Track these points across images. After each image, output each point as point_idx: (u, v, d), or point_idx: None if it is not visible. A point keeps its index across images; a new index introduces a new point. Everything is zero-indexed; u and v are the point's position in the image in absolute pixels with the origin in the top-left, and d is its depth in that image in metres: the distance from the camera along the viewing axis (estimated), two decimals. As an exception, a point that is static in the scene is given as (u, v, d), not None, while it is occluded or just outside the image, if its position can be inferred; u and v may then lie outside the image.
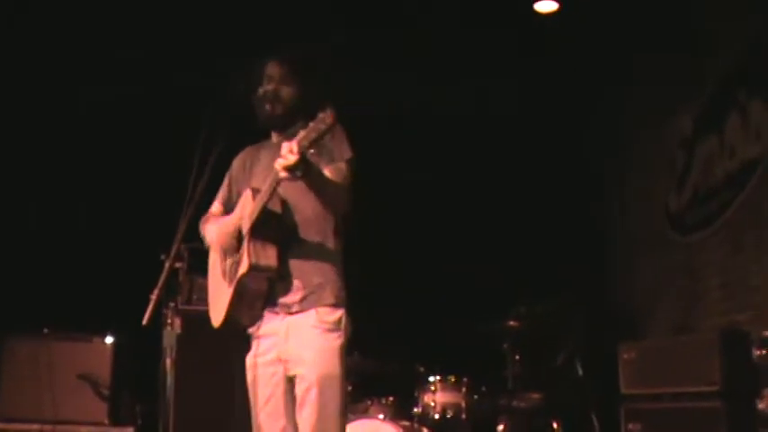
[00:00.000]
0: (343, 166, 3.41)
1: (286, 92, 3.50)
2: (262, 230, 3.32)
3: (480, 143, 7.25)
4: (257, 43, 5.38)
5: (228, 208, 3.62)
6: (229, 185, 3.68)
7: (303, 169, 3.10)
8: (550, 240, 7.16)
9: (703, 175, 6.29)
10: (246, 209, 3.38)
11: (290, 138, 3.20)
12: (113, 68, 6.47)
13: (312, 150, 3.05)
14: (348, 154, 3.43)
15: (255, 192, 3.36)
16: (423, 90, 7.00)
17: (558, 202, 7.26)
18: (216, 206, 3.69)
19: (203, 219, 3.63)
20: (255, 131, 3.60)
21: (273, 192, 3.23)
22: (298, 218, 3.38)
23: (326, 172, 3.34)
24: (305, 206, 3.35)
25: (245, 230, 3.35)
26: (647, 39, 6.85)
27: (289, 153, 3.06)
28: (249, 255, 3.28)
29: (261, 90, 3.50)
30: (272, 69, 3.52)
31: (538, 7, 6.71)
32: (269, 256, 3.32)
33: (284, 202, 3.36)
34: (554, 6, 6.69)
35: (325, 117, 2.98)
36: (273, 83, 3.50)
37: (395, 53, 6.71)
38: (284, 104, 3.50)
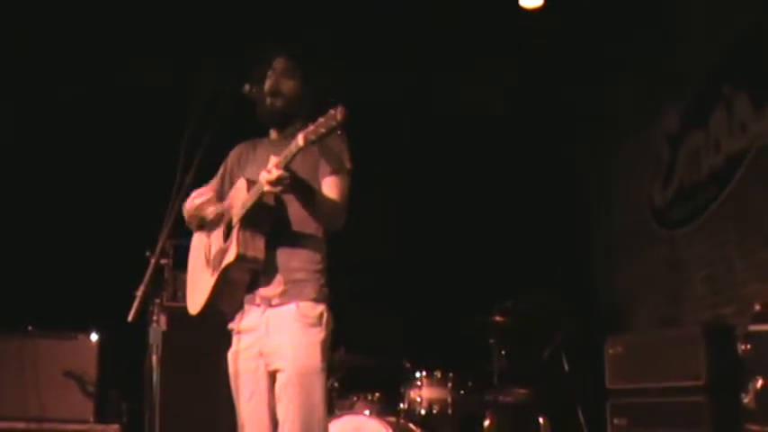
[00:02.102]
0: (343, 180, 3.39)
1: (287, 86, 3.49)
2: (253, 221, 3.29)
3: (467, 141, 7.25)
4: (244, 39, 5.43)
5: (219, 197, 3.59)
6: (223, 176, 3.65)
7: (287, 185, 3.12)
8: (537, 235, 7.17)
9: (689, 169, 6.31)
10: (239, 198, 3.36)
11: (288, 136, 3.17)
12: (101, 66, 6.44)
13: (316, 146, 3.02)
14: (349, 165, 3.42)
15: (251, 183, 3.33)
16: (406, 85, 6.99)
17: (545, 197, 7.27)
18: (206, 189, 3.63)
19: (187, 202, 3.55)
20: (244, 128, 3.58)
21: (264, 193, 3.21)
22: (290, 212, 3.36)
23: (325, 186, 3.34)
24: (297, 203, 3.31)
25: (235, 219, 3.33)
26: (633, 35, 6.86)
27: (274, 167, 3.07)
28: (238, 244, 3.26)
29: (266, 83, 3.48)
30: (277, 63, 3.52)
31: (523, 3, 6.70)
32: (257, 248, 3.30)
33: (278, 197, 3.33)
34: (539, 2, 6.68)
35: (336, 113, 2.97)
36: (275, 75, 3.49)
37: (380, 51, 6.71)
38: (284, 98, 3.48)
